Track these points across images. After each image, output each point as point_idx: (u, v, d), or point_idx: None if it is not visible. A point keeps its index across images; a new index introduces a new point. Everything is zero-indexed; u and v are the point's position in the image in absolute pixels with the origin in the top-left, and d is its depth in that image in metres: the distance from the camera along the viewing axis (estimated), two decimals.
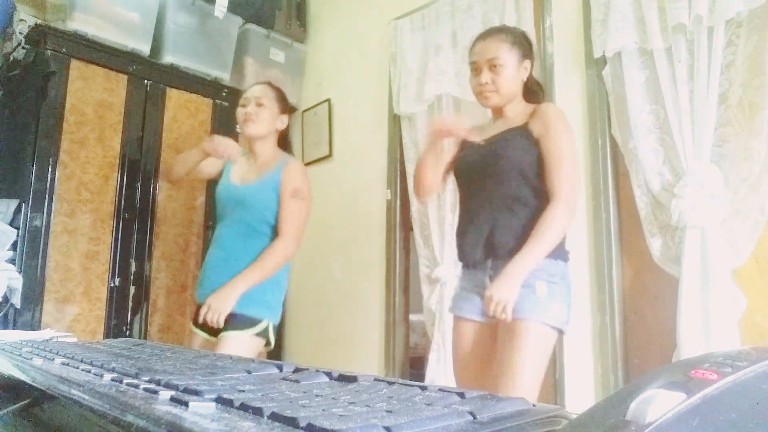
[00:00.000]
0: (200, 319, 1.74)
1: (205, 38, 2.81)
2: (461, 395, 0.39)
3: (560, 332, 1.46)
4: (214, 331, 1.78)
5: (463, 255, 1.59)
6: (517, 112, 1.59)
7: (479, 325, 1.53)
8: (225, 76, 2.89)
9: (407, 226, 2.68)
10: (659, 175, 1.78)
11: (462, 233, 1.60)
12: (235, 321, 1.74)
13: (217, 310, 1.71)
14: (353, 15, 3.10)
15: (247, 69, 2.99)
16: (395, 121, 2.71)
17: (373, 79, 2.87)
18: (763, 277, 1.67)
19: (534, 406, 0.36)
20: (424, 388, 0.42)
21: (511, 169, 1.50)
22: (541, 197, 1.48)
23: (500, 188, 1.51)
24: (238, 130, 2.02)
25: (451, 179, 1.73)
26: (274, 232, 1.83)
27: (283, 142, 2.00)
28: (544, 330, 1.42)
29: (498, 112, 1.63)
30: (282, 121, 1.95)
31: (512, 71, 1.55)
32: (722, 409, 0.25)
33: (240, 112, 1.92)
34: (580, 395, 1.89)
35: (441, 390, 0.41)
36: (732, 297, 1.58)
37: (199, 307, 1.84)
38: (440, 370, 2.22)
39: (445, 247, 2.33)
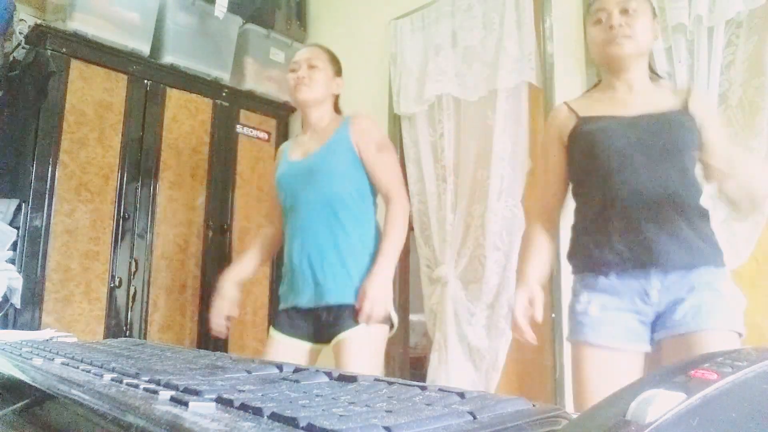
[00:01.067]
0: (363, 318, 1.51)
1: (205, 38, 2.81)
2: (461, 395, 0.39)
3: (741, 338, 1.23)
4: (317, 336, 1.61)
5: (604, 261, 1.26)
6: (652, 89, 1.33)
7: (633, 356, 1.23)
8: (225, 76, 2.89)
9: (408, 226, 2.68)
10: None
11: (600, 232, 1.27)
12: (352, 315, 1.54)
13: (383, 301, 1.50)
14: (353, 15, 3.10)
15: (247, 69, 2.99)
16: (395, 121, 2.70)
17: (373, 79, 2.87)
18: (763, 277, 1.67)
19: (534, 406, 0.36)
20: (424, 388, 0.42)
21: (684, 155, 1.24)
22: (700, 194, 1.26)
23: (671, 173, 1.23)
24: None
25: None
26: (359, 199, 1.64)
27: (336, 108, 1.82)
28: (735, 339, 1.20)
29: (626, 83, 1.33)
30: (338, 84, 1.78)
31: (648, 21, 1.30)
32: (722, 409, 0.25)
33: (291, 77, 1.72)
34: None
35: (441, 390, 0.41)
36: (732, 297, 1.58)
37: (285, 313, 1.66)
38: (441, 371, 2.22)
39: (445, 246, 2.33)
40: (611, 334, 1.24)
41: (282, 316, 1.70)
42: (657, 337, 1.22)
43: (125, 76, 2.54)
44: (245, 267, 1.82)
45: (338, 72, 1.79)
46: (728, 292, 1.23)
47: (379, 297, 1.52)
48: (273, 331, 1.69)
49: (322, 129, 1.74)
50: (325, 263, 1.60)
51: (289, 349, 1.61)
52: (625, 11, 1.28)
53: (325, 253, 1.60)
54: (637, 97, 1.32)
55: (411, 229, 2.60)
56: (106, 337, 2.34)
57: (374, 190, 1.71)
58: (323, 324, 1.61)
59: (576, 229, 1.37)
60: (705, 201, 1.30)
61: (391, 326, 1.63)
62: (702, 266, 1.21)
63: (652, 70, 1.40)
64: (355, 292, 1.57)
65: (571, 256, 1.37)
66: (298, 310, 1.65)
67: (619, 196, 1.25)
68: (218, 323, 1.69)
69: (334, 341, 1.58)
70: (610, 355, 1.23)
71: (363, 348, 1.55)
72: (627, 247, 1.23)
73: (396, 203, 1.62)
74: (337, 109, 1.82)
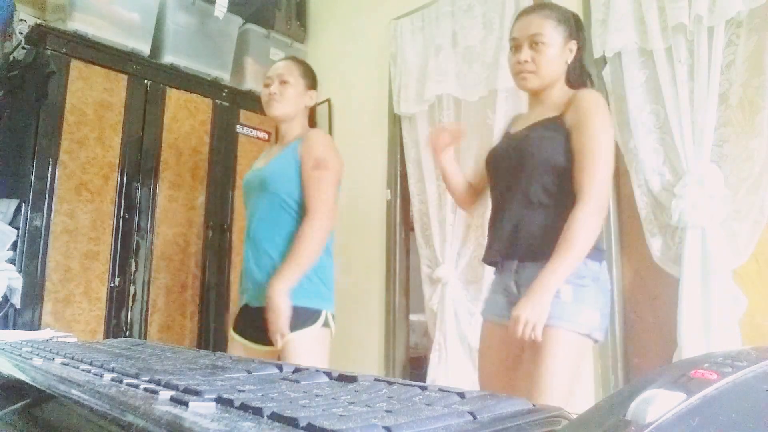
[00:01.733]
0: (273, 335, 1.55)
1: (205, 38, 2.81)
2: (461, 395, 0.39)
3: (591, 339, 1.31)
4: (260, 339, 1.63)
5: (488, 255, 1.49)
6: (555, 99, 1.44)
7: (505, 329, 1.39)
8: (225, 76, 2.89)
9: (407, 226, 2.68)
10: (659, 175, 1.78)
11: (489, 231, 1.51)
12: (295, 318, 1.57)
13: (283, 310, 1.54)
14: (353, 15, 3.10)
15: (247, 69, 2.99)
16: (395, 121, 2.71)
17: (373, 79, 2.87)
18: (763, 277, 1.67)
19: (534, 406, 0.36)
20: (424, 388, 0.42)
21: (538, 165, 1.37)
22: (571, 196, 1.35)
23: (527, 185, 1.38)
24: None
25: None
26: (301, 207, 1.68)
27: (312, 122, 1.89)
28: (571, 338, 1.29)
29: (536, 98, 1.49)
30: (310, 97, 1.81)
31: (556, 51, 1.40)
32: (722, 409, 0.25)
33: (264, 92, 1.78)
34: (580, 395, 1.89)
35: (441, 390, 0.41)
36: (732, 297, 1.58)
37: (240, 312, 1.73)
38: (441, 370, 2.22)
39: (446, 247, 2.33)
40: (493, 312, 1.47)
41: (239, 316, 1.76)
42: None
43: (125, 76, 2.54)
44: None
45: (311, 85, 1.83)
46: (567, 296, 1.29)
47: (280, 305, 1.54)
48: (232, 332, 1.75)
49: (288, 141, 1.79)
50: (267, 265, 1.65)
51: (246, 353, 1.64)
52: (534, 44, 1.40)
53: (268, 256, 1.66)
54: (536, 112, 1.47)
55: (411, 229, 2.60)
56: (106, 337, 2.34)
57: None
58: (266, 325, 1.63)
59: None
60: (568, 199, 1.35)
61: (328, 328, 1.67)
62: (528, 262, 1.36)
63: (575, 78, 1.48)
64: (292, 295, 1.59)
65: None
66: (248, 308, 1.71)
67: (495, 205, 1.49)
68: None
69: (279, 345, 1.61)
70: (492, 326, 1.46)
71: (306, 354, 1.57)
72: (498, 248, 1.44)
73: (310, 219, 1.63)
74: (312, 121, 1.87)
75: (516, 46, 1.43)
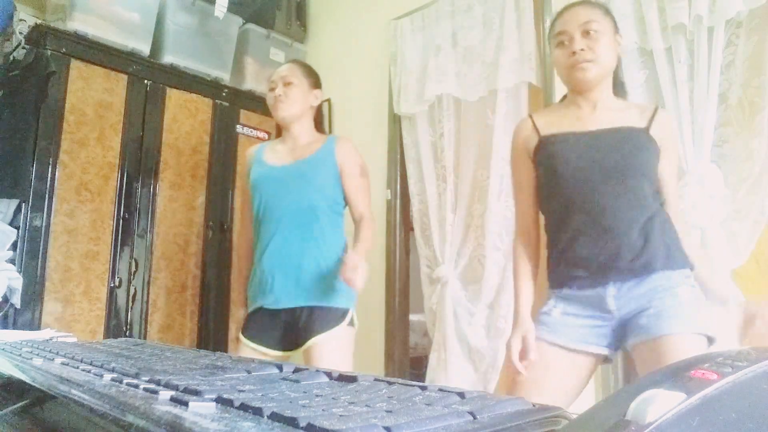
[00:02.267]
0: (344, 277, 1.54)
1: (205, 38, 2.81)
2: (461, 395, 0.39)
3: (712, 342, 1.22)
4: (275, 344, 1.66)
5: (569, 274, 1.32)
6: (616, 106, 1.36)
7: (580, 356, 1.31)
8: (225, 76, 2.89)
9: (407, 226, 2.68)
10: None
11: (567, 248, 1.33)
12: (325, 318, 1.61)
13: (363, 271, 1.54)
14: (353, 15, 3.10)
15: (247, 69, 2.99)
16: (395, 121, 2.70)
17: (373, 79, 2.87)
18: (763, 277, 1.67)
19: (534, 406, 0.36)
20: (424, 388, 0.42)
21: (642, 173, 1.28)
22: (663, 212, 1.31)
23: (638, 189, 1.28)
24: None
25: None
26: (331, 212, 1.71)
27: (319, 126, 1.87)
28: (701, 341, 1.20)
29: (585, 99, 1.37)
30: (315, 96, 1.82)
31: (609, 40, 1.32)
32: (722, 409, 0.26)
33: (269, 97, 1.79)
34: (580, 395, 1.88)
35: (441, 390, 0.41)
36: (732, 297, 1.58)
37: (251, 317, 1.72)
38: (440, 370, 2.22)
39: (446, 247, 2.33)
40: (567, 336, 1.32)
41: (250, 321, 1.73)
42: (629, 344, 1.27)
43: (125, 76, 2.54)
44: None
45: (315, 84, 1.84)
46: (688, 296, 1.24)
47: (361, 265, 1.56)
48: (242, 337, 1.72)
49: (306, 143, 1.79)
50: (294, 267, 1.66)
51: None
52: (586, 33, 1.31)
53: (296, 258, 1.66)
54: (600, 114, 1.36)
55: (411, 229, 2.60)
56: (106, 337, 2.34)
57: (344, 206, 1.79)
58: (292, 327, 1.66)
59: (548, 245, 1.41)
60: (665, 210, 1.32)
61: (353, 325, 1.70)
62: (658, 271, 1.24)
63: (618, 86, 1.43)
64: (323, 295, 1.63)
65: (548, 271, 1.41)
66: (266, 311, 1.69)
67: (577, 211, 1.31)
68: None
69: (305, 346, 1.62)
70: (562, 353, 1.31)
71: (335, 352, 1.61)
72: (584, 261, 1.29)
73: (368, 222, 1.73)
74: (318, 124, 1.87)
75: (563, 41, 1.33)
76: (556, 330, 1.33)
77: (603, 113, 1.35)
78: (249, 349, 1.67)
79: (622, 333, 1.29)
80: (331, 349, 1.60)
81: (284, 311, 1.65)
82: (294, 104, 1.76)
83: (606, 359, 1.35)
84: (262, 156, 1.83)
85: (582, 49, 1.30)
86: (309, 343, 1.61)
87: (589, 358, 1.32)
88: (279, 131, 1.90)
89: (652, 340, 1.20)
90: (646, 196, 1.28)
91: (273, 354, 1.67)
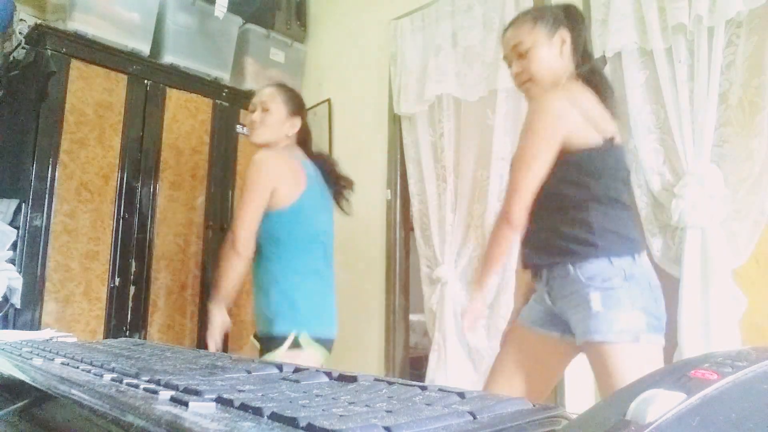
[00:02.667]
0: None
1: (205, 38, 2.81)
2: (461, 395, 0.39)
3: (642, 342, 1.19)
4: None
5: (528, 265, 1.42)
6: (602, 112, 1.35)
7: (543, 338, 1.38)
8: (225, 76, 2.89)
9: (407, 226, 2.68)
10: (659, 175, 1.78)
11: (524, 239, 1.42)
12: (265, 343, 1.68)
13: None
14: (353, 15, 3.10)
15: (247, 69, 2.99)
16: (395, 121, 2.70)
17: (373, 79, 2.87)
18: (763, 277, 1.67)
19: (534, 406, 0.36)
20: (424, 388, 0.42)
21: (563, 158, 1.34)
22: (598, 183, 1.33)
23: (552, 184, 1.33)
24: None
25: None
26: (274, 243, 1.73)
27: (305, 147, 1.84)
28: (614, 350, 1.18)
29: None
30: (292, 125, 1.79)
31: (543, 50, 1.34)
32: (722, 409, 0.26)
33: (247, 120, 1.82)
34: (580, 395, 1.89)
35: (441, 390, 0.41)
36: (732, 297, 1.58)
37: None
38: (440, 370, 2.22)
39: (445, 247, 2.33)
40: (529, 318, 1.41)
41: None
42: (577, 342, 1.29)
43: (125, 76, 2.54)
44: (233, 288, 1.79)
45: (295, 112, 1.80)
46: (597, 304, 1.21)
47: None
48: (255, 342, 1.79)
49: None
50: (256, 296, 1.75)
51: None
52: (520, 56, 1.36)
53: (255, 288, 1.75)
54: None
55: (411, 229, 2.60)
56: (106, 337, 2.34)
57: (277, 233, 1.72)
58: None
59: None
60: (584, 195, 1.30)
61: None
62: (576, 263, 1.25)
63: (584, 67, 1.40)
64: (264, 324, 1.69)
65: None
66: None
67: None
68: (216, 344, 1.76)
69: None
70: (525, 331, 1.41)
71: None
72: (527, 251, 1.38)
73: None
74: (304, 145, 1.84)
75: (509, 64, 1.43)
76: (524, 314, 1.44)
77: None
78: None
79: (567, 323, 1.33)
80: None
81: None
82: (266, 132, 1.76)
83: (573, 344, 1.31)
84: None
85: (518, 73, 1.38)
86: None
87: (549, 340, 1.37)
88: None
89: (584, 342, 1.25)
90: (568, 187, 1.29)
91: None
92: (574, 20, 1.40)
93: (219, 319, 1.74)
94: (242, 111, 2.95)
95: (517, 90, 1.45)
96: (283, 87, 1.86)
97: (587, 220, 1.26)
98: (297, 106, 1.82)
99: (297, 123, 1.80)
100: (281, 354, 1.64)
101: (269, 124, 1.75)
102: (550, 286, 1.32)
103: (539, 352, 1.38)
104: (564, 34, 1.37)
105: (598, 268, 1.22)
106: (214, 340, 1.73)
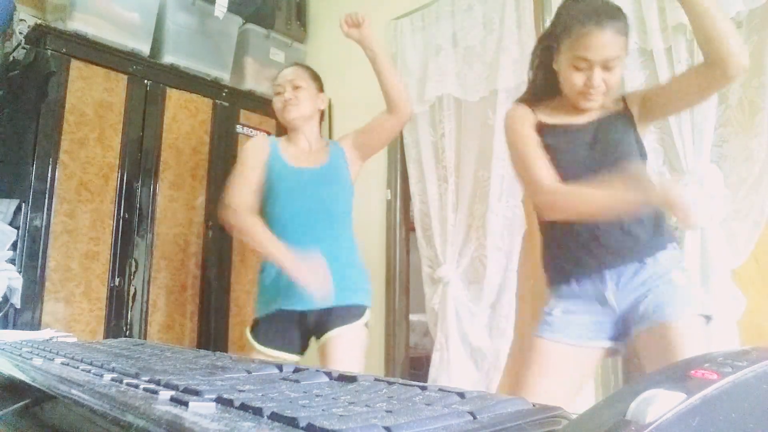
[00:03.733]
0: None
1: (205, 38, 2.80)
2: (461, 395, 0.39)
3: (709, 320, 1.25)
4: (304, 344, 1.69)
5: (565, 270, 1.36)
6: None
7: (582, 350, 1.33)
8: (225, 76, 2.89)
9: (408, 226, 2.68)
10: (659, 175, 1.78)
11: (560, 243, 1.37)
12: (347, 314, 1.62)
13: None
14: None
15: (247, 69, 2.99)
16: None
17: (373, 79, 2.86)
18: (762, 277, 1.68)
19: (534, 406, 0.36)
20: (424, 388, 0.42)
21: (628, 157, 1.30)
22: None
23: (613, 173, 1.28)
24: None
25: None
26: (348, 214, 1.77)
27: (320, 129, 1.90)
28: (700, 322, 1.23)
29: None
30: (322, 100, 1.86)
31: (620, 70, 1.32)
32: (722, 409, 0.26)
33: (277, 100, 1.79)
34: (581, 395, 1.88)
35: (441, 390, 0.41)
36: (731, 297, 1.58)
37: (263, 322, 1.69)
38: (443, 370, 2.22)
39: (447, 247, 2.34)
40: (569, 334, 1.34)
41: (264, 326, 1.70)
42: (632, 332, 1.29)
43: (125, 76, 2.54)
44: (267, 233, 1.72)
45: (321, 88, 1.87)
46: (681, 280, 1.26)
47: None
48: (257, 345, 1.68)
49: (317, 146, 1.83)
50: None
51: None
52: (607, 67, 1.28)
53: (335, 256, 1.65)
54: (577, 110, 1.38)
55: (411, 229, 2.60)
56: (106, 337, 2.34)
57: (351, 209, 1.81)
58: (312, 328, 1.67)
59: (545, 239, 1.43)
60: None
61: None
62: (649, 256, 1.27)
63: None
64: (342, 295, 1.62)
65: (545, 267, 1.44)
66: (286, 314, 1.66)
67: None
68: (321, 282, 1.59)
69: (322, 339, 1.64)
70: (565, 349, 1.33)
71: (354, 344, 1.64)
72: (582, 255, 1.32)
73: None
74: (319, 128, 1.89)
75: (584, 68, 1.29)
76: (558, 329, 1.35)
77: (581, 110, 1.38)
78: (263, 356, 1.64)
79: (624, 324, 1.31)
80: (349, 341, 1.62)
81: (310, 312, 1.64)
82: (304, 106, 1.78)
83: (614, 351, 1.37)
84: (279, 153, 1.78)
85: (599, 85, 1.29)
86: (328, 335, 1.63)
87: (593, 352, 1.34)
88: (285, 133, 1.88)
89: (653, 327, 1.23)
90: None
91: (292, 359, 1.66)
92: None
93: (290, 258, 1.55)
94: (242, 111, 2.96)
95: (574, 92, 1.33)
96: (304, 65, 1.93)
97: (649, 216, 1.29)
98: (321, 83, 1.89)
99: (325, 99, 1.88)
100: (359, 327, 1.64)
101: (305, 98, 1.78)
102: (618, 286, 1.29)
103: (579, 366, 1.34)
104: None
105: (670, 256, 1.28)
106: (315, 281, 1.54)
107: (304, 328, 1.68)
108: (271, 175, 1.75)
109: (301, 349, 1.73)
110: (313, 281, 1.54)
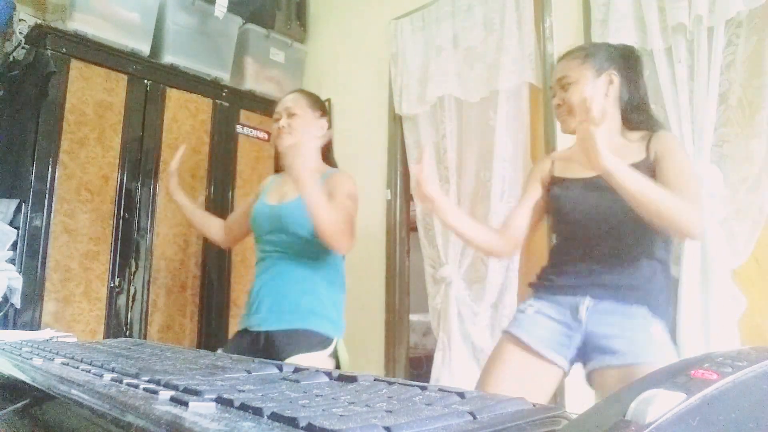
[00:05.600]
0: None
1: (205, 38, 2.80)
2: (461, 395, 0.39)
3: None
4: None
5: (551, 282, 1.40)
6: (619, 143, 1.34)
7: (543, 363, 1.33)
8: (225, 76, 2.89)
9: (408, 226, 2.68)
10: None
11: (557, 271, 1.41)
12: (303, 340, 1.57)
13: (300, 155, 1.48)
14: (353, 15, 3.10)
15: (247, 69, 2.99)
16: (395, 121, 2.70)
17: (373, 79, 2.87)
18: (762, 277, 1.67)
19: (534, 406, 0.36)
20: (424, 388, 0.42)
21: (633, 217, 1.23)
22: (668, 248, 1.34)
23: (623, 230, 1.30)
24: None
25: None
26: (319, 249, 1.64)
27: (328, 157, 1.83)
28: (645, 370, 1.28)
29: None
30: (320, 126, 1.77)
31: (586, 87, 1.33)
32: (722, 409, 0.26)
33: (273, 127, 1.78)
34: (580, 395, 1.88)
35: (441, 390, 0.41)
36: (731, 297, 1.58)
37: (236, 338, 1.70)
38: (445, 370, 2.22)
39: (449, 247, 2.34)
40: (534, 335, 1.35)
41: (231, 340, 1.74)
42: (592, 365, 1.28)
43: (125, 76, 2.54)
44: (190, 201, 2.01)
45: (321, 114, 1.80)
46: (660, 337, 1.25)
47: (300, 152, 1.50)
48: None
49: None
50: (281, 295, 1.63)
51: None
52: (563, 88, 1.36)
53: (286, 285, 1.64)
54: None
55: (415, 229, 2.60)
56: (106, 337, 2.34)
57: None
58: (268, 350, 1.60)
59: (553, 245, 1.50)
60: (668, 255, 1.36)
61: (336, 364, 1.66)
62: (635, 305, 1.27)
63: (636, 113, 1.39)
64: (303, 319, 1.60)
65: (533, 282, 1.47)
66: (246, 333, 1.66)
67: (575, 245, 1.38)
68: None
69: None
70: (526, 356, 1.34)
71: None
72: (571, 275, 1.35)
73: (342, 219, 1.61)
74: (325, 156, 1.82)
75: (553, 95, 1.42)
76: (524, 327, 1.37)
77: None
78: None
79: (584, 351, 1.31)
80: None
81: (264, 334, 1.61)
82: (297, 135, 1.71)
83: (565, 374, 1.36)
84: (266, 189, 1.83)
85: (558, 105, 1.38)
86: (285, 361, 1.59)
87: (550, 367, 1.33)
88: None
89: (630, 366, 1.21)
90: (637, 243, 1.29)
91: None
92: (628, 62, 1.39)
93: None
94: (242, 111, 2.96)
95: (560, 124, 1.43)
96: (305, 92, 1.87)
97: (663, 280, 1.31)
98: (321, 109, 1.83)
99: (324, 124, 1.80)
100: (322, 357, 1.58)
101: (296, 127, 1.73)
102: (595, 308, 1.29)
103: (536, 378, 1.33)
104: (613, 75, 1.36)
105: (655, 318, 1.27)
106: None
107: (258, 349, 1.61)
108: (252, 217, 1.79)
109: None
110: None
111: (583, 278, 1.33)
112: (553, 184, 1.46)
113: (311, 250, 1.66)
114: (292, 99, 1.79)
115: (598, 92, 1.34)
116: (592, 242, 1.34)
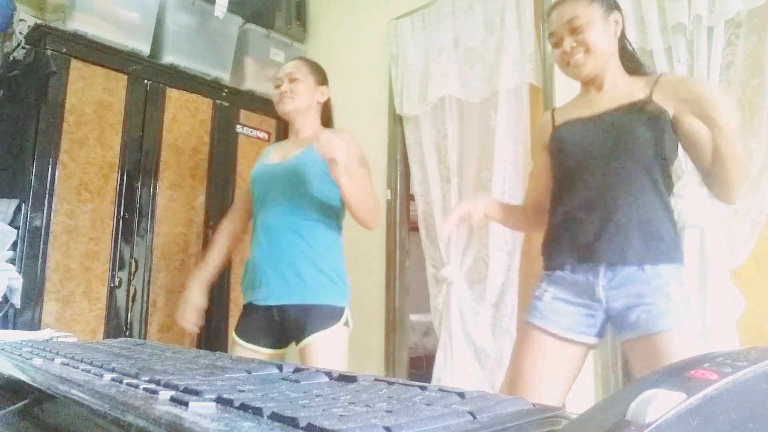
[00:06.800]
0: (320, 147, 1.50)
1: (205, 38, 2.80)
2: (461, 395, 0.39)
3: (703, 335, 1.30)
4: (264, 341, 1.66)
5: (561, 256, 1.34)
6: (621, 85, 1.35)
7: (572, 345, 1.33)
8: (225, 76, 2.89)
9: (408, 226, 2.68)
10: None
11: (561, 229, 1.36)
12: (319, 316, 1.59)
13: (341, 149, 1.49)
14: (353, 15, 3.10)
15: (247, 69, 2.99)
16: (395, 121, 2.70)
17: (373, 79, 2.87)
18: (762, 277, 1.67)
19: (534, 406, 0.36)
20: (424, 388, 0.42)
21: (638, 150, 1.26)
22: (670, 188, 1.32)
23: (634, 173, 1.27)
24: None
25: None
26: (326, 206, 1.68)
27: (328, 122, 1.87)
28: (694, 335, 1.24)
29: (596, 87, 1.38)
30: (322, 93, 1.81)
31: (598, 27, 1.31)
32: (722, 409, 0.26)
33: (275, 93, 1.79)
34: (580, 395, 1.89)
35: (441, 390, 0.41)
36: (730, 297, 1.58)
37: (243, 313, 1.72)
38: (447, 370, 2.22)
39: (451, 247, 2.34)
40: (558, 323, 1.34)
41: (242, 318, 1.74)
42: (621, 339, 1.30)
43: (125, 76, 2.54)
44: (211, 268, 1.87)
45: (321, 81, 1.83)
46: (678, 294, 1.24)
47: (339, 145, 1.51)
48: (234, 336, 1.71)
49: (305, 138, 1.78)
50: (285, 264, 1.64)
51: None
52: (574, 30, 1.32)
53: (287, 255, 1.64)
54: (605, 95, 1.36)
55: (415, 229, 2.60)
56: (106, 337, 2.34)
57: (340, 204, 1.72)
58: (284, 324, 1.64)
59: (550, 222, 1.42)
60: (669, 196, 1.32)
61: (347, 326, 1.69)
62: (651, 264, 1.25)
63: (629, 61, 1.41)
64: (316, 293, 1.62)
65: (542, 252, 1.43)
66: (256, 308, 1.68)
67: (578, 196, 1.33)
68: (187, 327, 1.80)
69: (300, 345, 1.61)
70: (555, 342, 1.34)
71: (332, 351, 1.60)
72: (579, 245, 1.31)
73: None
74: (326, 121, 1.87)
75: (557, 42, 1.36)
76: (547, 317, 1.36)
77: (610, 95, 1.35)
78: (242, 349, 1.66)
79: (610, 324, 1.32)
80: (328, 349, 1.59)
81: (276, 308, 1.64)
82: (298, 98, 1.76)
83: (594, 347, 1.38)
84: (266, 154, 1.86)
85: (572, 48, 1.32)
86: (305, 341, 1.60)
87: (580, 348, 1.35)
88: (285, 133, 1.89)
89: (646, 337, 1.22)
90: (637, 180, 1.27)
91: (265, 352, 1.67)
92: (619, 7, 1.40)
93: (197, 302, 1.78)
94: (242, 111, 2.95)
95: (563, 69, 1.38)
96: (305, 59, 1.90)
97: (659, 224, 1.27)
98: (322, 76, 1.85)
99: (325, 92, 1.84)
100: (338, 330, 1.61)
101: (300, 91, 1.76)
102: (611, 284, 1.27)
103: (570, 361, 1.34)
104: (618, 17, 1.36)
105: (672, 269, 1.25)
106: (186, 323, 1.77)
107: (277, 323, 1.65)
108: (251, 174, 1.81)
109: (276, 346, 1.69)
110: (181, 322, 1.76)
111: (594, 252, 1.28)
112: (555, 132, 1.43)
113: (311, 209, 1.67)
114: (294, 65, 1.81)
115: (610, 33, 1.34)
116: (592, 192, 1.31)
